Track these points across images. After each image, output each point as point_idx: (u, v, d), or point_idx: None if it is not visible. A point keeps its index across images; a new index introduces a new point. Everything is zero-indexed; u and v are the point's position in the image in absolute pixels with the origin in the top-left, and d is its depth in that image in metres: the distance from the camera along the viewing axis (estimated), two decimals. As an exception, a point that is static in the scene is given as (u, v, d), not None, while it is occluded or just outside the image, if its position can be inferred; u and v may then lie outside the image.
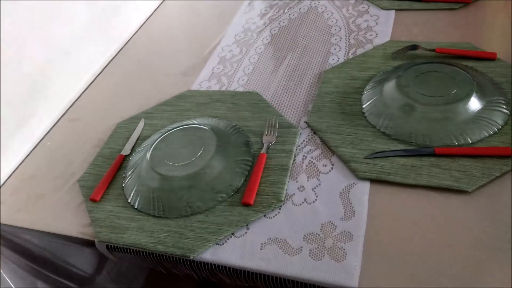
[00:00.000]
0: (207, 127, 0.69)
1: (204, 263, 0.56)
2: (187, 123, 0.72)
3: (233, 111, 0.76)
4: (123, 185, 0.67)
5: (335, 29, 0.91)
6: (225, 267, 0.55)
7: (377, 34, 0.86)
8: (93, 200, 0.65)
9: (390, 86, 0.68)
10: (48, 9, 0.84)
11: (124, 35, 1.07)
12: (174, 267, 0.61)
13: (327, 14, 0.96)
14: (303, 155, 0.66)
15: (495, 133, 0.60)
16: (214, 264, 0.56)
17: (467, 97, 0.63)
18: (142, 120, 0.79)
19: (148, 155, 0.66)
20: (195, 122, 0.72)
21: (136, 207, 0.63)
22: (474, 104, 0.63)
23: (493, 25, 0.81)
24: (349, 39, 0.87)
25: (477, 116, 0.62)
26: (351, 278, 0.50)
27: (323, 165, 0.64)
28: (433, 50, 0.75)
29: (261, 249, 0.55)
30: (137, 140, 0.75)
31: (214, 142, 0.66)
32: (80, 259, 0.83)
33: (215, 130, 0.69)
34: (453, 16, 0.85)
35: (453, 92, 0.64)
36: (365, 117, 0.68)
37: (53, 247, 0.76)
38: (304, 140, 0.68)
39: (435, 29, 0.83)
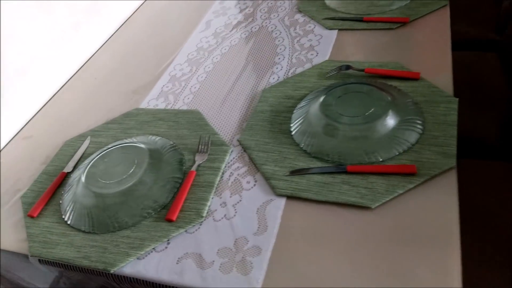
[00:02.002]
0: (143, 145, 0.73)
1: (124, 276, 0.59)
2: (126, 141, 0.76)
3: (173, 129, 0.80)
4: (60, 201, 0.70)
5: (280, 48, 0.94)
6: (143, 280, 0.58)
7: (317, 53, 0.89)
8: (31, 216, 0.69)
9: (315, 106, 0.71)
10: (5, 27, 0.88)
11: (85, 54, 1.11)
12: (108, 283, 0.64)
13: (276, 34, 1.00)
14: (231, 172, 0.69)
15: (405, 151, 0.64)
16: (133, 278, 0.59)
17: (382, 116, 0.66)
18: (88, 138, 0.83)
19: (83, 173, 0.70)
20: (133, 140, 0.76)
21: (69, 223, 0.67)
22: (388, 123, 0.66)
23: (423, 44, 0.85)
24: (292, 58, 0.90)
25: (391, 135, 0.65)
26: (252, 291, 0.53)
27: (247, 182, 0.67)
28: (363, 70, 0.79)
29: (177, 263, 0.58)
30: (81, 157, 0.79)
31: (146, 160, 0.69)
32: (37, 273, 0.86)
33: (151, 148, 0.72)
34: (391, 35, 0.89)
35: (369, 112, 0.67)
36: (292, 135, 0.71)
37: (8, 262, 0.79)
38: (234, 158, 0.72)
39: (372, 49, 0.87)
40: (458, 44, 1.33)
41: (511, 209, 0.84)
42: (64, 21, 1.03)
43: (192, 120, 0.81)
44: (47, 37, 0.99)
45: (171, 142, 0.76)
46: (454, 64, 1.26)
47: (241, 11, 1.12)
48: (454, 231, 0.54)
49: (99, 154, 0.73)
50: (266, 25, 1.03)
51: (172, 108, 0.86)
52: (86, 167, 0.71)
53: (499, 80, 1.16)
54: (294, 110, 0.76)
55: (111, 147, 0.74)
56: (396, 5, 0.96)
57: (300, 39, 0.95)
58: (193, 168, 0.69)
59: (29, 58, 0.95)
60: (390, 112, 0.67)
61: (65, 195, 0.71)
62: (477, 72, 1.21)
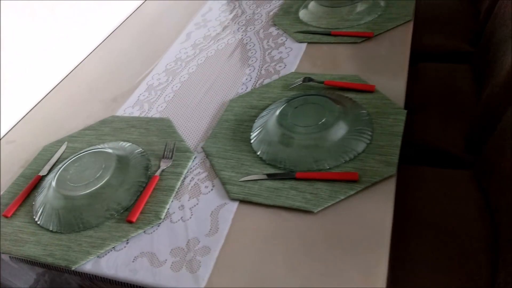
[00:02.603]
0: (112, 151, 0.78)
1: (84, 273, 0.64)
2: (97, 147, 0.81)
3: (143, 136, 0.84)
4: (33, 203, 0.75)
5: (252, 60, 0.99)
6: (101, 277, 0.63)
7: (285, 65, 0.94)
8: (5, 216, 0.74)
9: (273, 116, 0.76)
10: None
11: (72, 62, 1.17)
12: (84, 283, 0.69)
13: (250, 46, 1.04)
14: (192, 177, 0.74)
15: (351, 159, 0.68)
16: (93, 274, 0.63)
17: (332, 127, 0.70)
18: (65, 143, 0.88)
19: (55, 176, 0.75)
20: (104, 146, 0.81)
21: (38, 223, 0.71)
22: (338, 133, 0.70)
23: (384, 58, 0.89)
24: (261, 70, 0.95)
25: (340, 144, 0.69)
26: (196, 287, 0.57)
27: (206, 186, 0.71)
28: (322, 82, 0.83)
29: (133, 261, 0.63)
30: (56, 162, 0.84)
31: (113, 165, 0.74)
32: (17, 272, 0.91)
33: (119, 154, 0.77)
34: (355, 49, 0.93)
35: (321, 122, 0.71)
36: (251, 143, 0.76)
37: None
38: (196, 164, 0.76)
39: (335, 62, 0.91)
40: (433, 56, 1.39)
41: (464, 216, 0.87)
42: (53, 31, 1.09)
43: (162, 127, 0.85)
44: (34, 46, 1.04)
45: (140, 149, 0.81)
46: (427, 75, 1.30)
47: (220, 23, 1.17)
48: (386, 235, 0.57)
49: (71, 158, 0.78)
50: (242, 38, 1.08)
51: (146, 116, 0.91)
52: (58, 171, 0.76)
53: (470, 91, 1.20)
54: (255, 119, 0.80)
55: (83, 152, 0.79)
56: (364, 20, 1.00)
57: (271, 51, 1.00)
58: (157, 173, 0.74)
59: (18, 65, 1.00)
60: (341, 123, 0.71)
61: (38, 197, 0.76)
62: (450, 83, 1.25)
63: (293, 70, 0.92)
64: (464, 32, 1.38)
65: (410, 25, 0.96)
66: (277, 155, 0.71)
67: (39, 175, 0.81)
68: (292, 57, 0.96)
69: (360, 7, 1.03)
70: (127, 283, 0.62)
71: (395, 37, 0.93)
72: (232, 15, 1.20)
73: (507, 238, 0.77)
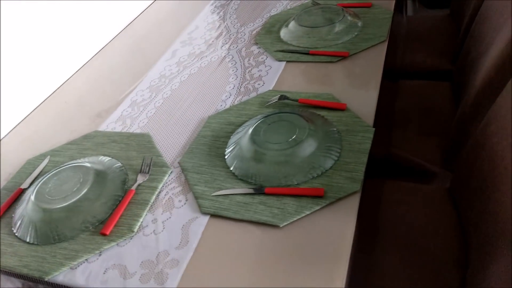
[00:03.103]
0: (91, 165, 0.80)
1: (58, 284, 0.66)
2: (78, 161, 0.83)
3: (123, 151, 0.87)
4: (13, 215, 0.78)
5: (233, 78, 1.02)
6: (73, 288, 0.65)
7: (264, 83, 0.97)
8: (-15, 228, 0.76)
9: (247, 133, 0.78)
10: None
11: (61, 78, 1.20)
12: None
13: (231, 64, 1.08)
14: (167, 192, 0.76)
15: (319, 175, 0.70)
16: (65, 286, 0.65)
17: (302, 144, 0.73)
18: (48, 157, 0.90)
19: (34, 189, 0.77)
20: (84, 160, 0.83)
21: (16, 235, 0.74)
22: (308, 150, 0.73)
23: (357, 77, 0.92)
24: (241, 87, 0.98)
25: (309, 161, 0.72)
26: (163, 299, 0.59)
27: (179, 200, 0.74)
28: (297, 100, 0.86)
29: (104, 273, 0.65)
30: (38, 175, 0.86)
31: (91, 179, 0.77)
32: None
33: (97, 168, 0.80)
34: (331, 68, 0.97)
35: (291, 139, 0.74)
36: (225, 159, 0.78)
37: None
38: (172, 178, 0.79)
39: (311, 80, 0.94)
40: (415, 73, 1.42)
41: (437, 232, 0.89)
42: (43, 46, 1.12)
43: (141, 142, 0.88)
44: (24, 61, 1.08)
45: (119, 163, 0.83)
46: (408, 92, 1.34)
47: (205, 41, 1.21)
48: (346, 249, 0.60)
49: (52, 172, 0.81)
50: (225, 56, 1.12)
51: (127, 131, 0.93)
52: (38, 184, 0.78)
53: (448, 109, 1.23)
54: (231, 135, 0.83)
55: (63, 166, 0.82)
56: (341, 40, 1.04)
57: (251, 70, 1.03)
58: (133, 187, 0.76)
59: (7, 80, 1.03)
60: (310, 140, 0.74)
61: (18, 209, 0.78)
62: (429, 100, 1.29)
63: (271, 88, 0.95)
64: (446, 51, 1.42)
65: (384, 46, 0.99)
66: (249, 170, 0.74)
67: (21, 188, 0.83)
68: (271, 75, 0.99)
69: (338, 27, 1.06)
70: (99, 295, 0.64)
71: (369, 57, 0.96)
72: (217, 33, 1.23)
73: (475, 253, 0.79)
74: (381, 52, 0.97)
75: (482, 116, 0.86)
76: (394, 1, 1.17)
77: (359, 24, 1.08)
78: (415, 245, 0.88)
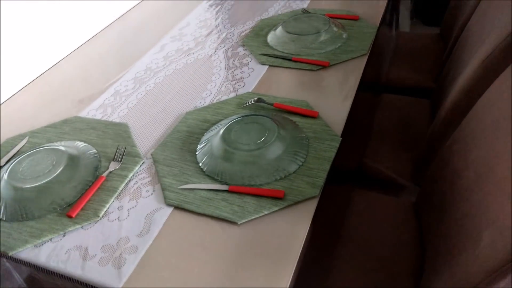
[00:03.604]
0: (65, 149, 0.83)
1: (21, 260, 0.68)
2: (54, 144, 0.85)
3: (100, 138, 0.89)
4: (-15, 190, 0.80)
5: (216, 77, 1.05)
6: (34, 264, 0.67)
7: (244, 84, 1.00)
8: (-44, 201, 0.78)
9: (219, 132, 0.81)
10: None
11: (49, 62, 1.22)
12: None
13: (216, 63, 1.11)
14: (136, 181, 0.79)
15: (282, 178, 0.73)
16: (27, 262, 0.68)
17: (270, 146, 0.76)
18: (27, 138, 0.93)
19: (8, 168, 0.79)
20: (59, 144, 0.86)
21: (-14, 210, 0.76)
22: (274, 153, 0.76)
23: (334, 87, 0.95)
24: (221, 87, 1.01)
25: (274, 163, 0.75)
26: (118, 282, 0.61)
27: (147, 190, 0.76)
28: (272, 104, 0.89)
29: (65, 253, 0.67)
30: (15, 154, 0.88)
31: (64, 162, 0.79)
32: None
33: (71, 153, 0.82)
34: (310, 76, 1.00)
35: (260, 141, 0.77)
36: (196, 154, 0.81)
37: None
38: (143, 169, 0.81)
39: (290, 86, 0.97)
40: (398, 88, 1.46)
41: (398, 243, 0.93)
42: (36, 30, 1.14)
43: (118, 132, 0.90)
44: (14, 41, 1.10)
45: (94, 150, 0.86)
46: (389, 106, 1.37)
47: (194, 39, 1.23)
48: (296, 251, 0.62)
49: (27, 153, 0.83)
50: (211, 54, 1.14)
51: (106, 119, 0.96)
52: (12, 163, 0.81)
53: (425, 125, 1.26)
54: (205, 132, 0.86)
55: (39, 148, 0.84)
56: (325, 49, 1.07)
57: (234, 70, 1.06)
58: (104, 174, 0.79)
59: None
60: (278, 143, 0.76)
61: (-10, 185, 0.80)
62: (408, 116, 1.32)
63: (250, 90, 0.98)
64: (430, 69, 1.46)
65: (364, 59, 1.02)
66: (216, 167, 0.76)
67: (-4, 165, 0.85)
68: (252, 77, 1.02)
69: (323, 37, 1.09)
70: (60, 274, 0.66)
71: (348, 69, 1.00)
72: (207, 31, 1.26)
73: (430, 265, 0.82)
74: (360, 65, 1.01)
75: (449, 135, 0.90)
76: (381, 16, 1.20)
77: (344, 36, 1.11)
78: (373, 253, 0.92)
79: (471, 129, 0.80)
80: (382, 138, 1.26)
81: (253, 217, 0.68)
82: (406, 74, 1.49)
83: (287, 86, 0.98)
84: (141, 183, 0.78)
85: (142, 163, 0.82)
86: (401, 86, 1.45)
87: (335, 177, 1.10)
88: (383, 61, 1.48)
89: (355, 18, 1.19)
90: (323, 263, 0.88)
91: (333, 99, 0.92)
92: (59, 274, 0.66)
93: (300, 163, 0.75)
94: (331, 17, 1.18)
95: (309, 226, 0.66)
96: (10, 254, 0.68)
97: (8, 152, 0.89)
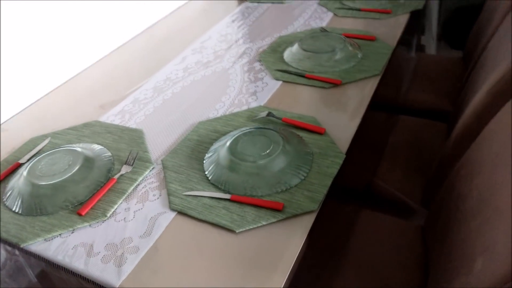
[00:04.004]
0: (82, 150, 0.87)
1: (31, 252, 0.72)
2: (72, 146, 0.90)
3: (115, 143, 0.94)
4: (6, 185, 0.85)
5: (231, 89, 1.08)
6: (43, 258, 0.71)
7: (257, 98, 1.03)
8: (-21, 193, 0.84)
9: (227, 142, 0.84)
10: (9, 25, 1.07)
11: (78, 67, 1.29)
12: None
13: (232, 76, 1.14)
14: (144, 185, 0.82)
15: (283, 191, 0.75)
16: (38, 255, 0.72)
17: (274, 159, 0.78)
18: (49, 138, 0.98)
19: (28, 165, 0.85)
20: (78, 146, 0.91)
21: (5, 203, 0.81)
22: (278, 166, 0.78)
23: (344, 106, 0.96)
24: (235, 100, 1.04)
25: (277, 176, 0.77)
26: (117, 280, 0.65)
27: (153, 194, 0.80)
28: (281, 118, 0.92)
29: (72, 249, 0.71)
30: (37, 153, 0.94)
31: (79, 163, 0.84)
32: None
33: (87, 154, 0.87)
34: (322, 93, 1.02)
35: (265, 153, 0.79)
36: (203, 163, 0.84)
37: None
38: (152, 174, 0.85)
39: (301, 102, 1.00)
40: (416, 110, 1.45)
41: (400, 265, 0.92)
42: (70, 35, 1.22)
43: (133, 137, 0.95)
44: (50, 45, 1.17)
45: (109, 153, 0.90)
46: (405, 128, 1.37)
47: (214, 52, 1.28)
48: (289, 261, 0.64)
49: (47, 152, 0.88)
50: (228, 68, 1.18)
51: (124, 125, 1.00)
52: (32, 161, 0.86)
53: (439, 148, 1.25)
54: (214, 142, 0.89)
55: (59, 148, 0.89)
56: (338, 68, 1.09)
57: (249, 84, 1.09)
58: (116, 176, 0.83)
59: (27, 62, 1.13)
60: (282, 157, 0.79)
61: (11, 181, 0.86)
62: (423, 138, 1.32)
63: (262, 104, 1.00)
64: (449, 93, 1.45)
65: (377, 79, 1.03)
66: (221, 177, 0.79)
67: (18, 162, 0.91)
68: (265, 92, 1.05)
69: (338, 55, 1.12)
70: (65, 268, 0.70)
71: (360, 88, 1.01)
72: (226, 46, 1.30)
73: (432, 282, 0.81)
74: (372, 85, 1.02)
75: (459, 159, 0.89)
76: (398, 38, 1.21)
77: (359, 55, 1.13)
78: (376, 273, 0.91)
79: (478, 154, 0.80)
80: (395, 159, 1.26)
81: (251, 227, 0.70)
82: (425, 96, 1.48)
83: (298, 102, 1.00)
84: (149, 187, 0.82)
85: (152, 168, 0.86)
86: (419, 108, 1.45)
87: (343, 195, 1.11)
88: (400, 82, 1.48)
89: (371, 39, 1.21)
90: (325, 281, 0.89)
91: (341, 117, 0.93)
92: (64, 268, 0.69)
93: (302, 177, 0.77)
94: (348, 37, 1.20)
95: (304, 239, 0.67)
96: (21, 245, 0.72)
97: (31, 150, 0.95)
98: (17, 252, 0.80)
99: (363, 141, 1.19)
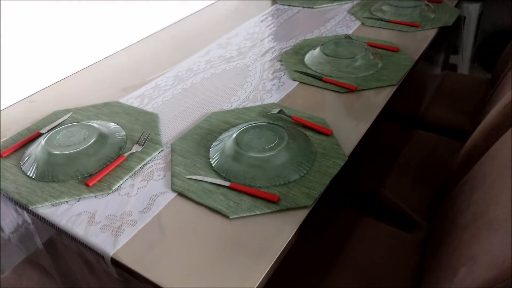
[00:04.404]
0: (98, 127, 0.92)
1: (38, 214, 0.77)
2: (90, 121, 0.95)
3: (131, 123, 0.98)
4: (25, 151, 0.91)
5: (248, 85, 1.11)
6: (48, 221, 0.76)
7: (272, 95, 1.05)
8: (0, 156, 0.90)
9: (234, 134, 0.86)
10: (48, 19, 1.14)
11: (107, 51, 1.35)
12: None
13: (252, 73, 1.17)
14: (151, 165, 0.86)
15: (281, 185, 0.77)
16: (43, 217, 0.77)
17: (277, 154, 0.80)
18: (71, 113, 1.04)
19: (47, 135, 0.90)
20: (95, 122, 0.95)
21: (22, 167, 0.86)
22: (280, 160, 0.80)
23: (355, 111, 0.97)
24: (250, 95, 1.07)
25: (277, 170, 0.79)
26: (112, 248, 0.68)
27: (158, 175, 0.83)
28: (291, 116, 0.94)
29: (75, 215, 0.75)
30: (57, 125, 0.99)
31: (94, 138, 0.88)
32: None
33: (102, 131, 0.91)
34: (336, 97, 1.03)
35: (268, 147, 0.81)
36: (210, 150, 0.87)
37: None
38: (161, 155, 0.88)
39: (314, 104, 1.01)
40: (435, 127, 1.44)
41: (395, 276, 0.92)
42: (106, 21, 1.28)
43: (148, 120, 0.99)
44: (82, 29, 1.24)
45: (123, 132, 0.94)
46: (419, 142, 1.36)
47: (238, 49, 1.31)
48: (275, 253, 0.65)
49: (66, 125, 0.94)
50: (249, 64, 1.21)
51: (142, 108, 1.05)
52: (51, 132, 0.91)
53: (452, 167, 1.24)
54: (223, 133, 0.91)
55: (76, 122, 0.94)
56: (356, 75, 1.10)
57: (266, 82, 1.12)
58: (126, 154, 0.87)
59: (64, 41, 1.20)
60: (285, 152, 0.80)
61: (30, 147, 0.91)
62: (437, 154, 1.30)
63: (275, 102, 1.02)
64: (472, 112, 1.43)
65: (392, 89, 1.03)
66: (224, 165, 0.82)
67: (39, 132, 0.97)
68: (281, 90, 1.07)
69: (358, 63, 1.12)
70: (66, 233, 0.74)
71: (373, 96, 1.02)
72: (251, 44, 1.33)
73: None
74: (387, 94, 1.02)
75: (464, 176, 0.89)
76: (421, 51, 1.21)
77: (379, 65, 1.13)
78: (369, 282, 0.92)
79: (480, 172, 0.79)
80: (404, 172, 1.25)
81: (245, 215, 0.72)
82: (445, 113, 1.46)
83: (311, 103, 1.01)
84: (155, 168, 0.85)
85: (161, 151, 0.89)
86: (437, 125, 1.43)
87: (347, 200, 1.12)
88: (422, 97, 1.47)
89: (395, 50, 1.21)
90: (316, 280, 0.90)
91: (351, 121, 0.94)
92: (66, 232, 0.73)
93: (302, 174, 0.79)
94: (371, 46, 1.21)
95: (294, 232, 0.69)
96: (30, 207, 0.77)
97: (52, 122, 1.01)
98: (29, 219, 0.85)
99: (375, 149, 1.19)
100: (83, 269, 0.82)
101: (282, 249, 0.66)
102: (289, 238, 0.68)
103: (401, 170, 1.24)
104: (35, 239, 1.07)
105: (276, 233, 0.69)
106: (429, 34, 1.32)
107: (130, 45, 1.42)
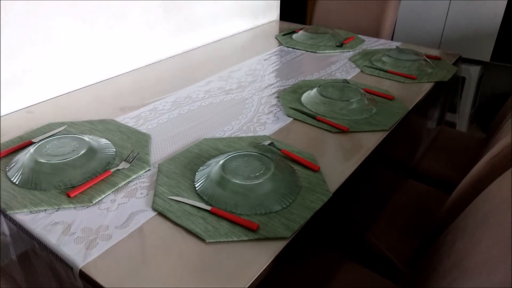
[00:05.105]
0: (89, 140, 0.93)
1: (14, 220, 0.76)
2: (81, 135, 0.96)
3: (122, 141, 0.99)
4: (14, 158, 0.91)
5: (243, 117, 1.13)
6: (23, 227, 0.75)
7: (265, 128, 1.06)
8: (-12, 159, 0.90)
9: (222, 160, 0.87)
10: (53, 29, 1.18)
11: (111, 73, 1.39)
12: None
13: (248, 106, 1.19)
14: (136, 183, 0.86)
15: (261, 214, 0.76)
16: (19, 224, 0.75)
17: (261, 184, 0.80)
18: (65, 126, 1.05)
19: (37, 145, 0.91)
20: (88, 137, 0.96)
21: (8, 173, 0.86)
22: (263, 190, 0.80)
23: (344, 152, 0.98)
24: (244, 126, 1.08)
25: (260, 199, 0.78)
26: (82, 260, 0.67)
27: (141, 193, 0.83)
28: (280, 149, 0.94)
29: (51, 224, 0.74)
30: (49, 136, 1.00)
31: (83, 151, 0.89)
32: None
33: (92, 145, 0.92)
34: (328, 137, 1.04)
35: (252, 176, 0.81)
36: (196, 174, 0.87)
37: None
38: (147, 175, 0.88)
39: (304, 140, 1.02)
40: (425, 177, 1.44)
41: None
42: (119, 42, 1.33)
43: (140, 139, 1.00)
44: (94, 44, 1.28)
45: (113, 149, 0.95)
46: (408, 191, 1.35)
47: (238, 82, 1.34)
48: (247, 280, 0.64)
49: (57, 136, 0.94)
50: (247, 98, 1.24)
51: (136, 127, 1.06)
52: (41, 142, 0.92)
53: (438, 217, 1.23)
54: (211, 158, 0.92)
55: (68, 135, 0.95)
56: (350, 117, 1.12)
57: (261, 115, 1.13)
58: (112, 169, 0.87)
59: (71, 57, 1.23)
60: (269, 183, 0.80)
61: (19, 155, 0.91)
62: (425, 204, 1.30)
63: (267, 134, 1.04)
64: (464, 168, 1.43)
65: (384, 134, 1.05)
66: (207, 189, 0.81)
67: (31, 141, 0.97)
68: (274, 124, 1.09)
69: (352, 106, 1.15)
70: (39, 241, 0.73)
71: (364, 139, 1.03)
72: (252, 79, 1.37)
73: None
74: (378, 139, 1.03)
75: (449, 226, 0.88)
76: (415, 102, 1.23)
77: (373, 110, 1.15)
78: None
79: (464, 221, 0.79)
80: (393, 219, 1.24)
81: (222, 240, 0.71)
82: (439, 166, 1.47)
83: (302, 139, 1.02)
84: (140, 186, 0.85)
85: (148, 170, 0.89)
86: (428, 176, 1.43)
87: (331, 241, 1.10)
88: (416, 148, 1.48)
89: (390, 98, 1.23)
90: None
91: (339, 161, 0.95)
92: (39, 240, 0.72)
93: (284, 206, 0.78)
94: (367, 92, 1.23)
95: (269, 262, 0.67)
96: (8, 212, 0.76)
97: (46, 133, 1.02)
98: (6, 231, 0.84)
99: (366, 193, 1.18)
100: (52, 283, 0.79)
101: (255, 278, 0.65)
102: (264, 267, 0.66)
103: (390, 217, 1.23)
104: (9, 251, 1.04)
105: (252, 261, 0.68)
106: (425, 87, 1.35)
107: (135, 69, 1.46)
